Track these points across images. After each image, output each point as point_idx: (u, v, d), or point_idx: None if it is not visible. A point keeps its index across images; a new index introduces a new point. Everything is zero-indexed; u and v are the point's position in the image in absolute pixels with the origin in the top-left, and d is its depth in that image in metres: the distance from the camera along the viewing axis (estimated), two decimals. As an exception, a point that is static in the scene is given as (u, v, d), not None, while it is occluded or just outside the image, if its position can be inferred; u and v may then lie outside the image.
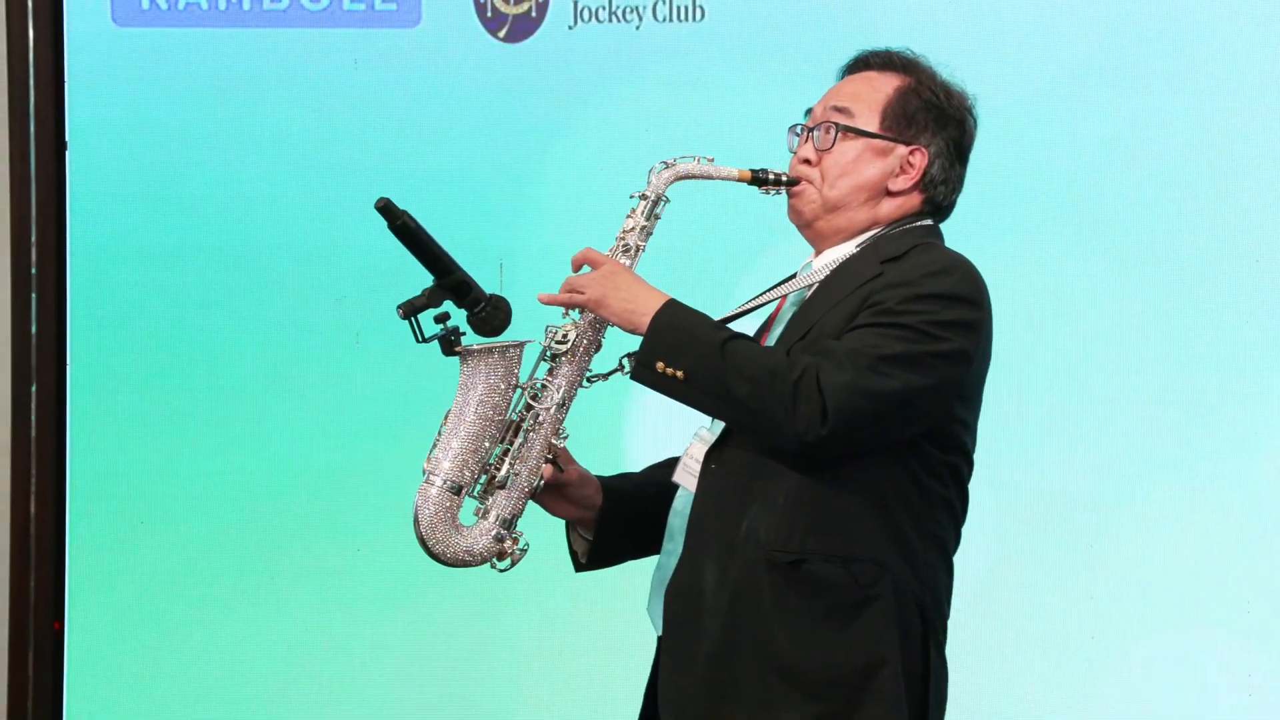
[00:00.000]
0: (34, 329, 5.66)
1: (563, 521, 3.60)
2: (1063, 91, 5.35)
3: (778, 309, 3.53)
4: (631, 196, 3.45)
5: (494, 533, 3.36)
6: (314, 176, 5.61)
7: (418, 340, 3.31)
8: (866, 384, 3.19)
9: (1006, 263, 5.01)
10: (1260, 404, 5.30)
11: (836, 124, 3.43)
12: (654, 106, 5.48)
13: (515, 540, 3.38)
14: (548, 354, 3.40)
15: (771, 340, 3.43)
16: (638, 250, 3.43)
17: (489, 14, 5.56)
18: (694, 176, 3.45)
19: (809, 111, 3.52)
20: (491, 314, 3.34)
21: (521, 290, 5.46)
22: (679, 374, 3.24)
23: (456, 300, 3.32)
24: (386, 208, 3.24)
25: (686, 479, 3.40)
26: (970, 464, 3.43)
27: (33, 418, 5.66)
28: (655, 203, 3.44)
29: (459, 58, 5.58)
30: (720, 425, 3.38)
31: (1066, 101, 5.35)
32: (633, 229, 3.44)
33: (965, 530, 3.46)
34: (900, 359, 3.22)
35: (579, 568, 3.63)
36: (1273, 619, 5.29)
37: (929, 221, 3.49)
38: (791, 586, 3.24)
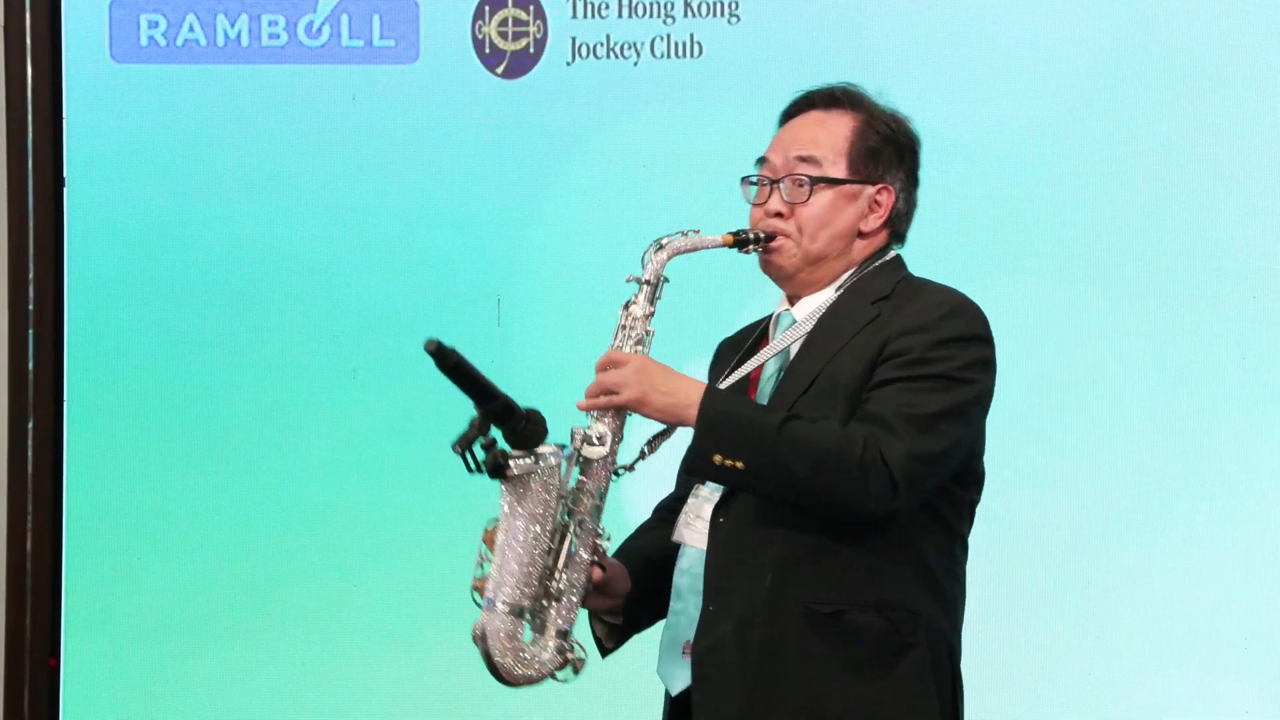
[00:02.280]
0: (31, 365, 5.65)
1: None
2: (1055, 124, 5.35)
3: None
4: (629, 280, 3.42)
5: (555, 645, 3.31)
6: (312, 212, 5.60)
7: (471, 471, 3.22)
8: (923, 449, 3.22)
9: (1000, 297, 4.99)
10: (1258, 443, 5.29)
11: (810, 176, 3.42)
12: (652, 143, 5.49)
13: (572, 648, 3.32)
14: (578, 457, 3.34)
15: (764, 393, 3.41)
16: (648, 336, 3.39)
17: (487, 50, 5.57)
18: (685, 251, 3.41)
19: (761, 160, 3.50)
20: (532, 430, 3.25)
21: (518, 326, 5.53)
22: (738, 464, 3.20)
23: (498, 423, 3.25)
24: (438, 350, 3.15)
25: (692, 536, 3.38)
26: (980, 497, 3.46)
27: (29, 454, 5.65)
28: (656, 286, 3.40)
29: (457, 94, 5.58)
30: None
31: (1058, 133, 5.35)
32: (640, 316, 3.40)
33: (962, 570, 3.47)
34: (944, 415, 3.25)
35: (605, 653, 3.58)
36: (1270, 657, 5.27)
37: (894, 252, 3.51)
38: (829, 638, 3.25)
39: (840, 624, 3.25)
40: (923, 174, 3.64)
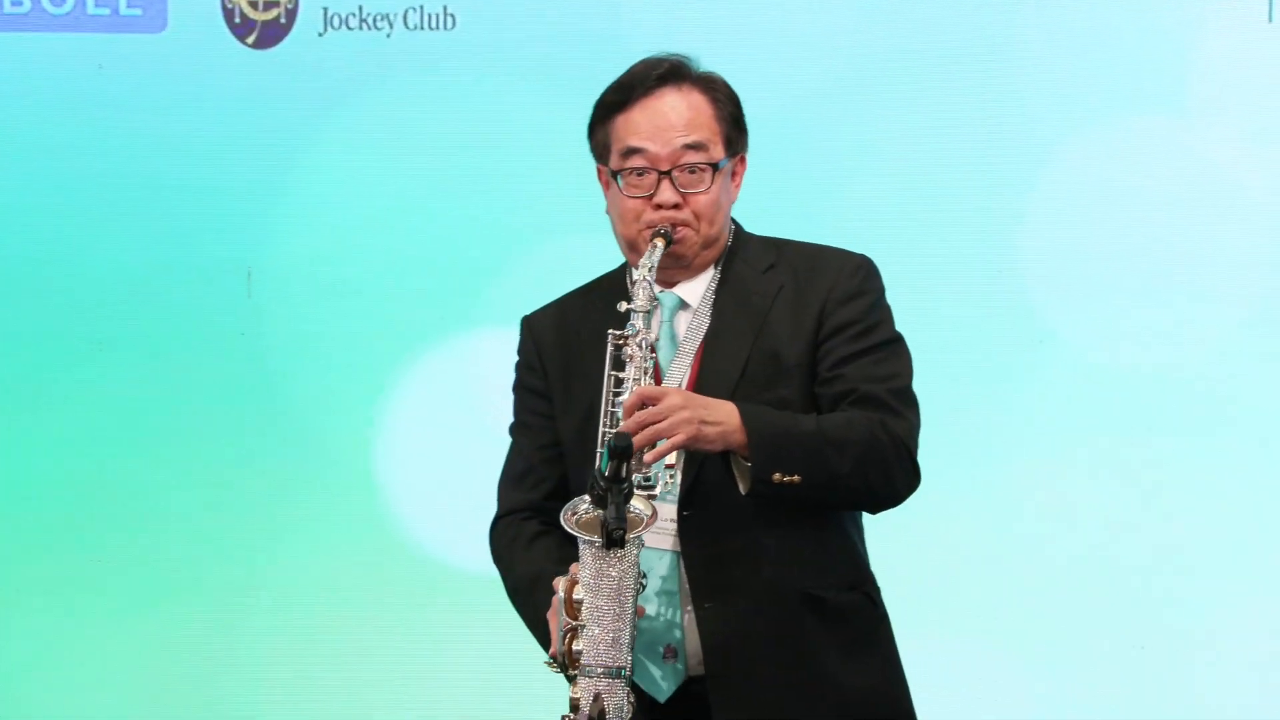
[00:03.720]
0: None
1: None
2: (808, 102, 5.39)
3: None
4: (623, 310, 3.27)
5: (626, 692, 3.18)
6: (57, 183, 5.53)
7: (610, 547, 3.08)
8: (918, 419, 3.35)
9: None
10: (998, 414, 5.37)
11: (711, 164, 3.37)
12: (405, 114, 5.48)
13: (632, 692, 3.20)
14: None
15: (676, 379, 3.34)
16: (650, 362, 3.26)
17: (237, 19, 5.51)
18: (654, 266, 3.30)
19: (633, 151, 3.37)
20: (630, 490, 3.11)
21: (269, 297, 5.49)
22: (795, 479, 3.19)
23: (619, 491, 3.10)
24: (629, 447, 3.04)
25: (653, 539, 3.27)
26: None
27: None
28: (649, 312, 3.28)
29: (206, 64, 5.53)
30: (658, 477, 3.26)
31: (811, 112, 5.39)
32: (645, 344, 3.26)
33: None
34: (911, 379, 3.36)
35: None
36: (1017, 626, 5.37)
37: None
38: (829, 620, 3.30)
39: (836, 605, 3.31)
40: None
